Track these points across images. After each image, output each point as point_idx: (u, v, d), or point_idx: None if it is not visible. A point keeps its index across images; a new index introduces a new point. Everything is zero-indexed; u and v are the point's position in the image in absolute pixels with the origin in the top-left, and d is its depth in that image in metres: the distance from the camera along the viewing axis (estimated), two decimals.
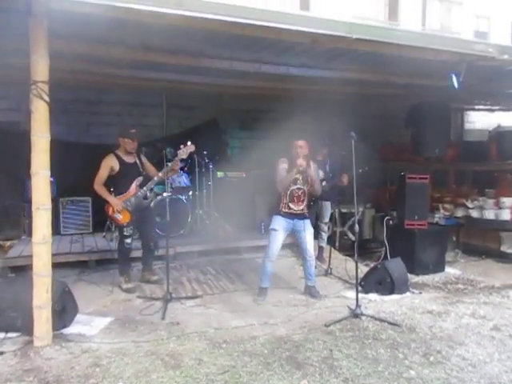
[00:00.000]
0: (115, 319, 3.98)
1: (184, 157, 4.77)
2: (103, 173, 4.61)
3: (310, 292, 4.71)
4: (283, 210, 4.58)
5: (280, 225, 4.56)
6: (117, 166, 4.63)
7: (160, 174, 4.73)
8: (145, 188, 4.73)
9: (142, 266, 5.13)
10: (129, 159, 4.74)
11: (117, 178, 4.66)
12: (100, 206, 6.56)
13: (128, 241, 4.71)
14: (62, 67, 4.74)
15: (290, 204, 4.56)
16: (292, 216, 4.58)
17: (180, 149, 4.65)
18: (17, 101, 6.66)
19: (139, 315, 4.10)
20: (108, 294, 4.66)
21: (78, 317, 3.86)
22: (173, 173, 4.99)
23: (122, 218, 4.66)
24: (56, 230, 5.98)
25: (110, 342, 3.51)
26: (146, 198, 4.82)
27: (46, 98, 3.31)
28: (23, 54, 3.62)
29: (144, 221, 4.86)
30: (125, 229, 4.69)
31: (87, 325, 3.80)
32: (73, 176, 6.43)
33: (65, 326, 3.67)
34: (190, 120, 7.97)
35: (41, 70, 3.31)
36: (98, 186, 4.61)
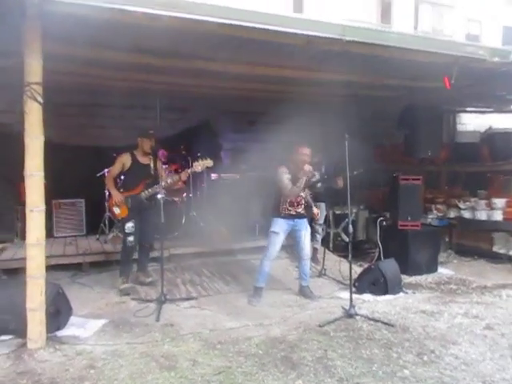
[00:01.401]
0: (109, 321, 3.97)
1: (199, 170, 4.91)
2: (115, 168, 4.90)
3: (304, 292, 4.72)
4: (284, 212, 4.61)
5: (281, 227, 4.60)
6: (128, 164, 4.85)
7: (168, 181, 4.92)
8: (150, 190, 4.82)
9: (136, 267, 5.11)
10: (143, 160, 4.91)
11: (126, 175, 4.93)
12: (93, 207, 6.63)
13: (130, 239, 4.76)
14: (55, 69, 4.71)
15: (290, 207, 4.62)
16: (293, 216, 4.64)
17: (196, 161, 4.83)
18: (9, 102, 6.61)
19: (133, 317, 4.09)
20: (102, 296, 4.65)
21: (72, 319, 3.85)
22: (180, 182, 5.12)
23: (119, 212, 4.81)
24: (49, 232, 5.93)
25: (105, 343, 3.50)
26: (149, 199, 4.86)
27: (40, 100, 3.31)
28: (16, 55, 3.61)
29: (145, 221, 4.89)
30: (126, 226, 4.75)
31: (81, 327, 3.78)
32: (66, 178, 6.41)
33: (59, 329, 3.66)
34: (184, 122, 7.95)
35: (34, 71, 3.31)
36: (108, 180, 4.94)
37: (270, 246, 4.61)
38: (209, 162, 4.85)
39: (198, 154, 6.81)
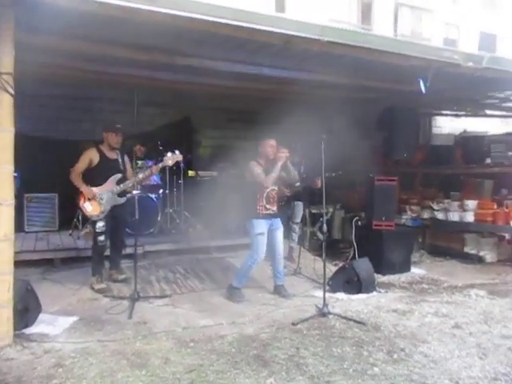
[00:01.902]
0: (80, 318, 3.91)
1: (169, 164, 4.84)
2: (81, 164, 4.67)
3: (279, 291, 4.75)
4: (262, 211, 4.60)
5: (264, 228, 4.59)
6: (96, 159, 4.66)
7: (140, 176, 4.77)
8: (121, 185, 4.71)
9: (109, 264, 5.05)
10: (111, 155, 4.76)
11: (95, 171, 4.70)
12: (67, 202, 6.50)
13: (101, 238, 4.65)
14: (30, 60, 4.61)
15: (267, 205, 4.62)
16: (270, 216, 4.65)
17: (166, 155, 4.71)
18: None
19: (105, 314, 4.04)
20: (73, 293, 4.58)
21: (42, 316, 3.78)
22: (149, 177, 5.00)
23: (91, 209, 4.62)
24: (20, 227, 5.81)
25: (75, 341, 3.45)
26: (120, 195, 4.78)
27: (11, 91, 3.24)
28: None
29: (116, 218, 4.81)
30: (97, 225, 4.63)
31: (50, 324, 3.72)
32: (39, 172, 6.28)
33: (27, 326, 3.58)
34: (162, 118, 7.88)
35: (6, 61, 3.24)
36: (74, 176, 4.64)
37: (259, 248, 4.54)
38: (179, 156, 4.80)
39: (176, 151, 6.79)
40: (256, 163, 4.63)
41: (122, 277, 4.97)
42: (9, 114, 3.28)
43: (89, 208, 4.63)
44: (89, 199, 4.61)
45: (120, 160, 4.81)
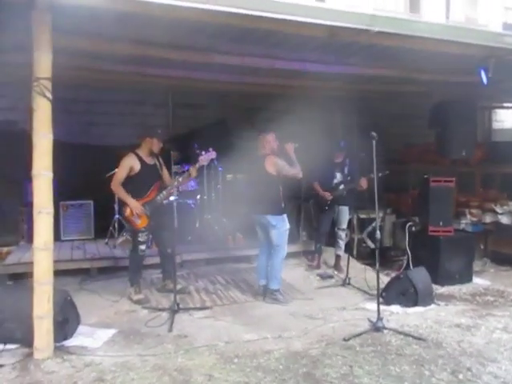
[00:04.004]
0: (119, 331, 3.99)
1: (205, 164, 4.92)
2: (122, 173, 4.66)
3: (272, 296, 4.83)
4: (283, 205, 4.82)
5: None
6: (137, 167, 4.67)
7: (180, 179, 4.79)
8: (164, 192, 4.76)
9: (162, 275, 5.12)
10: (149, 160, 4.79)
11: (136, 180, 4.69)
12: (102, 209, 6.69)
13: (143, 247, 4.73)
14: (63, 64, 4.78)
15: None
16: None
17: (201, 155, 4.77)
18: (14, 99, 6.73)
19: (145, 327, 4.10)
20: (111, 304, 4.68)
21: (80, 328, 3.89)
22: (188, 179, 5.06)
23: (140, 222, 4.68)
24: (56, 235, 6.00)
25: (114, 355, 3.52)
26: (163, 202, 4.86)
27: (49, 96, 3.35)
28: (23, 50, 3.67)
29: (161, 226, 4.86)
30: (140, 234, 4.70)
31: (90, 337, 3.81)
32: (73, 178, 6.49)
33: (66, 338, 3.69)
34: (198, 120, 7.99)
35: (44, 66, 3.36)
36: (116, 187, 4.66)
37: (286, 243, 4.81)
38: (213, 154, 4.78)
39: (209, 149, 6.84)
40: (276, 157, 4.75)
41: (179, 286, 4.88)
42: (47, 120, 3.39)
43: (138, 221, 4.66)
44: (137, 214, 4.64)
45: (158, 165, 4.87)
